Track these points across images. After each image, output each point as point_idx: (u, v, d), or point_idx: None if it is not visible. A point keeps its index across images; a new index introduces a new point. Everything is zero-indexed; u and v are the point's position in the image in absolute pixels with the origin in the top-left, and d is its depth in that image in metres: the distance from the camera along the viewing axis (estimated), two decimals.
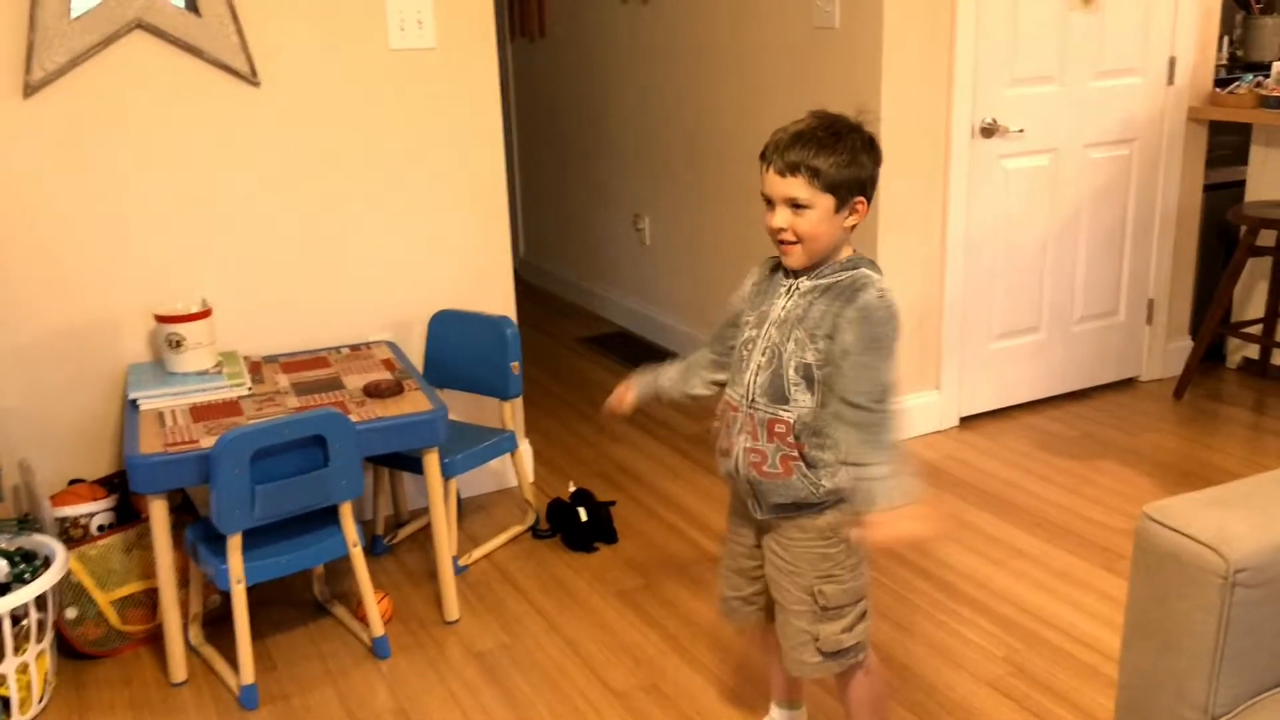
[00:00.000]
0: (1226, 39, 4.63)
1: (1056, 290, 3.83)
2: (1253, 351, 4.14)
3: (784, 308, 1.80)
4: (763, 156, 1.77)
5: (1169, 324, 4.10)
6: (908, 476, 1.71)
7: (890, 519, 1.70)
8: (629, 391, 2.09)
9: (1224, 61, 4.62)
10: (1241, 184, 4.06)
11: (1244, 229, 3.75)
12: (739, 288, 1.94)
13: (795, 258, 1.77)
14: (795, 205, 1.73)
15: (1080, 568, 2.83)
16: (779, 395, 1.78)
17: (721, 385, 1.96)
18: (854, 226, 1.78)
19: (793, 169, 1.72)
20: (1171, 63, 3.81)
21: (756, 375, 1.81)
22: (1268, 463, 3.37)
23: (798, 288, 1.80)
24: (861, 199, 1.76)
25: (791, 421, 1.77)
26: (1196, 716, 1.53)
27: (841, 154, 1.72)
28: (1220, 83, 3.99)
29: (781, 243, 1.77)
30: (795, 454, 1.78)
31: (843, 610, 1.86)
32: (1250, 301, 4.09)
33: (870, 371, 1.72)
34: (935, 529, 1.67)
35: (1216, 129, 3.98)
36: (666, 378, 2.08)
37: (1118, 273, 3.95)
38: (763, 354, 1.81)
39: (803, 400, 1.77)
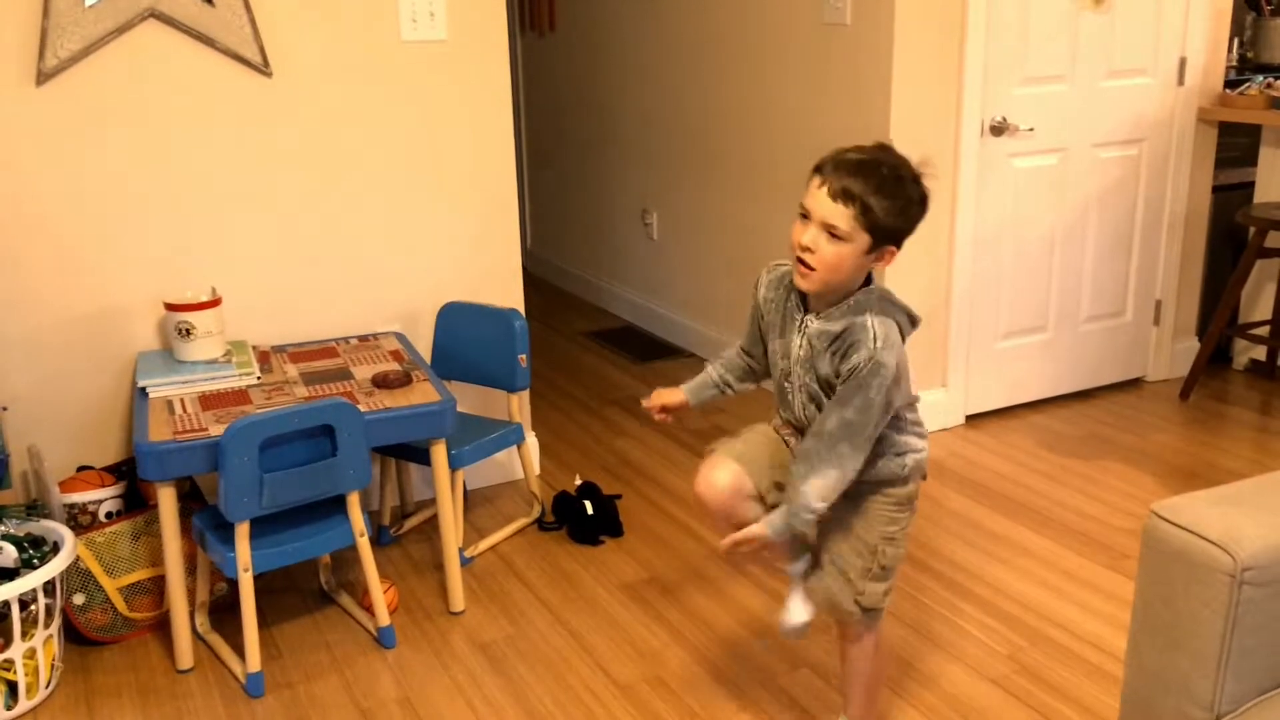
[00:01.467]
0: (1236, 40, 4.62)
1: (1064, 289, 3.83)
2: (1260, 353, 4.13)
3: (800, 347, 1.83)
4: (818, 170, 1.72)
5: (1176, 324, 4.09)
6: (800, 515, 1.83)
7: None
8: (675, 396, 2.14)
9: (1234, 63, 4.61)
10: (1250, 185, 4.06)
11: (1252, 230, 3.74)
12: (753, 295, 1.97)
13: (809, 282, 1.75)
14: (832, 233, 1.69)
15: (1085, 566, 2.83)
16: None
17: (755, 383, 2.08)
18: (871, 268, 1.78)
19: (847, 198, 1.67)
20: (1182, 63, 3.80)
21: (805, 409, 1.87)
22: (1273, 464, 3.37)
23: (807, 327, 1.82)
24: (893, 249, 1.74)
25: None
26: (1202, 714, 1.54)
27: (898, 200, 1.68)
28: (1230, 84, 3.99)
29: (800, 261, 1.74)
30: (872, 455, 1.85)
31: (889, 572, 1.93)
32: (1258, 303, 4.08)
33: (844, 410, 1.77)
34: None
35: (1226, 130, 3.98)
36: (722, 380, 2.12)
37: (1125, 273, 3.95)
38: (801, 391, 1.86)
39: None
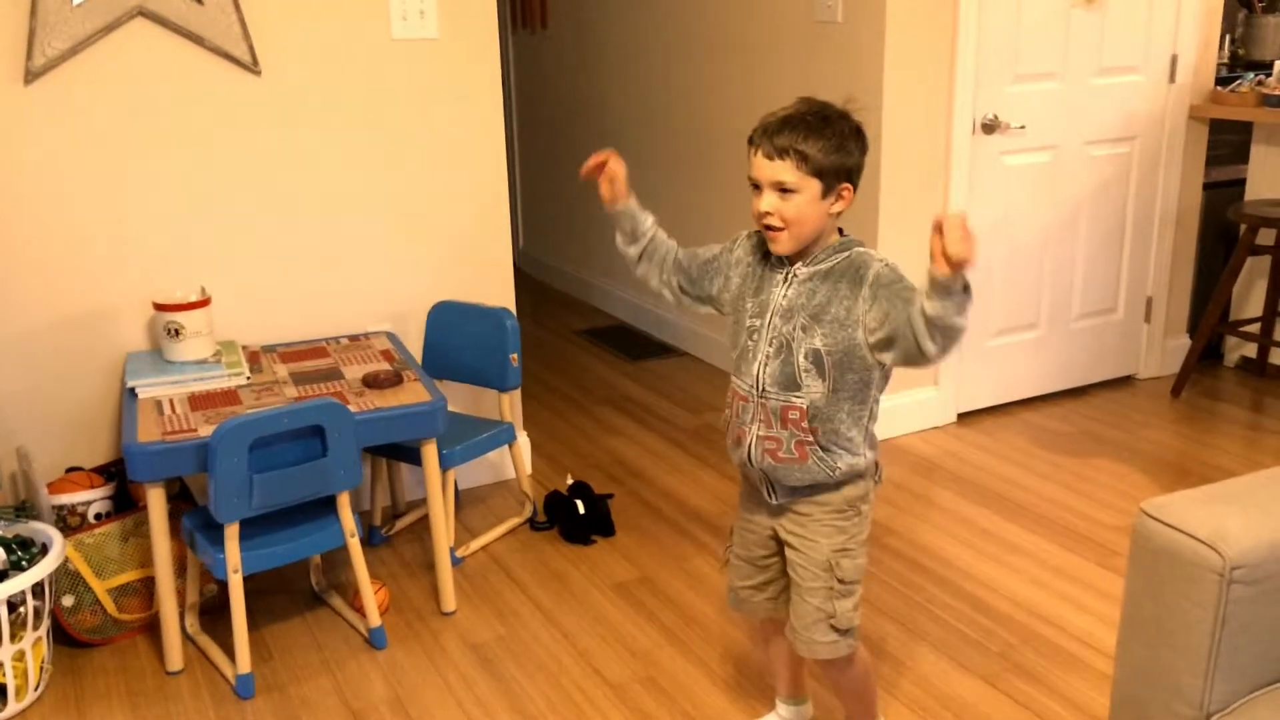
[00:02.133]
0: (1228, 38, 4.63)
1: (1056, 287, 3.83)
2: (1251, 350, 4.14)
3: (785, 296, 1.81)
4: (750, 141, 1.78)
5: (1167, 322, 4.10)
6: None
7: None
8: (616, 180, 2.01)
9: (1225, 60, 4.62)
10: (1241, 183, 4.06)
11: (1244, 227, 3.75)
12: (728, 245, 1.94)
13: (782, 244, 1.78)
14: (782, 189, 1.73)
15: (1076, 564, 2.83)
16: (790, 383, 1.80)
17: (679, 293, 1.99)
18: (840, 213, 1.79)
19: (781, 153, 1.72)
20: (1173, 60, 3.81)
21: (765, 365, 1.82)
22: (1265, 461, 3.38)
23: (795, 275, 1.81)
24: (848, 185, 1.76)
25: (805, 408, 1.79)
26: (1191, 713, 1.54)
27: (830, 139, 1.73)
28: (1221, 81, 3.99)
29: (768, 228, 1.77)
30: (810, 439, 1.80)
31: (853, 587, 1.89)
32: (1249, 300, 4.09)
33: (912, 291, 1.73)
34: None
35: (1217, 127, 3.98)
36: (655, 236, 2.02)
37: (1117, 270, 3.95)
38: (770, 344, 1.82)
39: (814, 386, 1.78)
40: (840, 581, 1.87)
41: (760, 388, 1.83)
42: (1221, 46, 4.32)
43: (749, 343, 1.85)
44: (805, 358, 1.78)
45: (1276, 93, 3.76)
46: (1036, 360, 3.88)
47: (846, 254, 1.79)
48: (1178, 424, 3.72)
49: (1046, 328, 3.86)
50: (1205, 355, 4.01)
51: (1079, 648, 2.48)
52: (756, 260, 1.89)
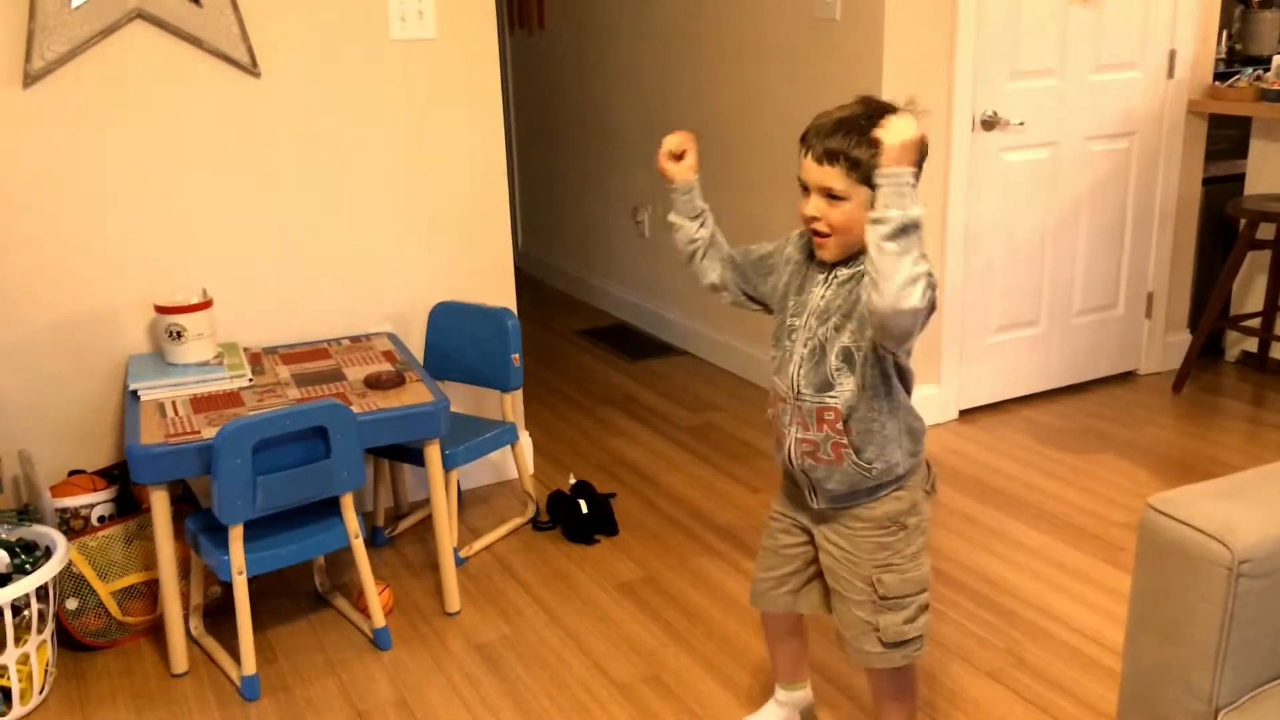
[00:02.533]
0: (1225, 33, 4.63)
1: (1056, 283, 3.83)
2: (1251, 345, 4.14)
3: (823, 297, 1.79)
4: (803, 140, 1.73)
5: (1168, 317, 4.10)
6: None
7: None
8: (688, 153, 2.00)
9: (1222, 55, 4.62)
10: (1240, 177, 4.06)
11: (1243, 222, 3.75)
12: (780, 243, 1.90)
13: (829, 251, 1.76)
14: (830, 195, 1.70)
15: (1080, 560, 2.83)
16: (824, 384, 1.78)
17: (720, 288, 1.96)
18: None
19: (831, 157, 1.68)
20: (1171, 56, 3.81)
21: (800, 367, 1.80)
22: (1267, 455, 3.38)
23: (836, 277, 1.79)
24: None
25: (839, 408, 1.77)
26: (1201, 707, 1.54)
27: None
28: (1219, 77, 3.99)
29: (815, 234, 1.75)
30: (844, 440, 1.78)
31: (903, 601, 1.85)
32: (1249, 295, 4.09)
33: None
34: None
35: (1215, 122, 3.98)
36: (705, 227, 1.97)
37: (1117, 266, 3.95)
38: (805, 345, 1.80)
39: (846, 385, 1.77)
40: (882, 598, 1.84)
41: (796, 390, 1.81)
42: (1219, 42, 4.32)
43: (787, 343, 1.83)
44: (837, 357, 1.76)
45: (1275, 87, 3.76)
46: (1038, 357, 3.88)
47: None
48: (1179, 419, 3.72)
49: (1047, 324, 3.86)
50: (1206, 350, 4.01)
51: (1086, 644, 2.48)
52: (804, 259, 1.86)
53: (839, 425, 1.77)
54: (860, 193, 1.68)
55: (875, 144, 1.62)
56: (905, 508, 1.84)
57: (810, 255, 1.85)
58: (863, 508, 1.84)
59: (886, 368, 1.77)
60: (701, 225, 1.97)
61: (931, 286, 1.62)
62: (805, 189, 1.74)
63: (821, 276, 1.81)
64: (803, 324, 1.81)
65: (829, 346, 1.77)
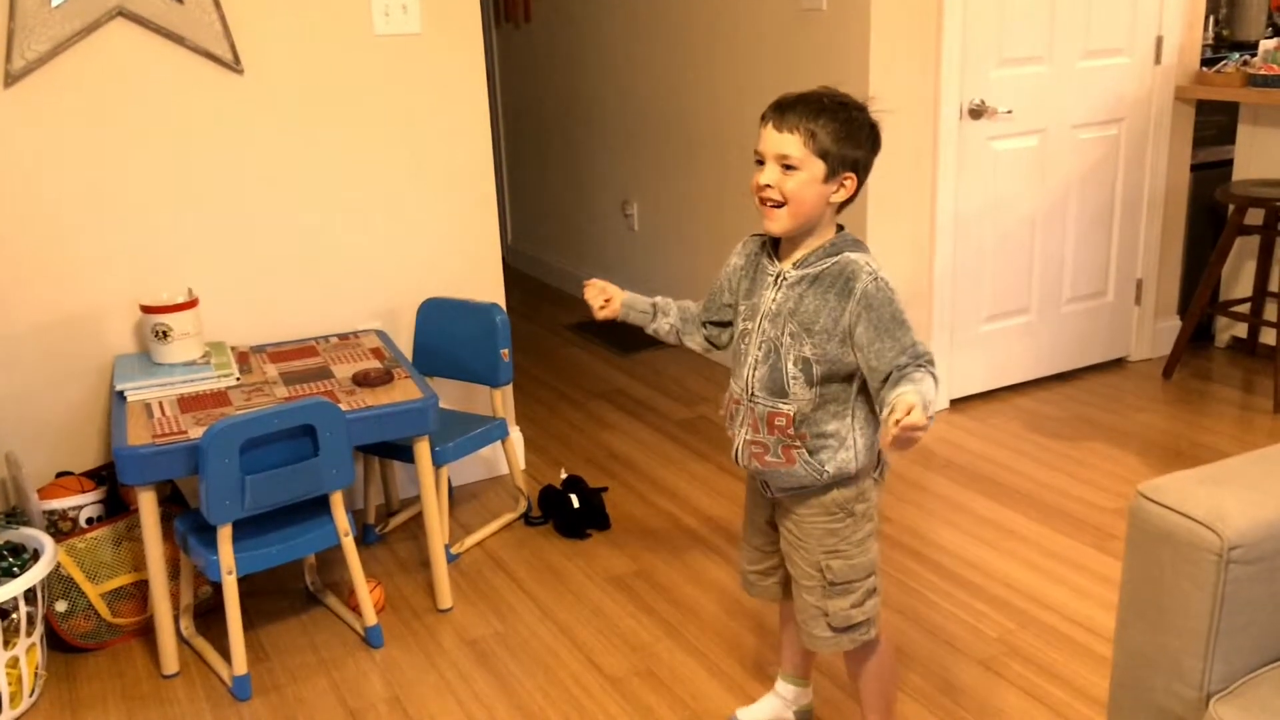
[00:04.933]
0: (1212, 18, 4.63)
1: (1045, 271, 3.83)
2: (1241, 330, 4.15)
3: (774, 300, 1.80)
4: (763, 117, 1.76)
5: (1157, 304, 4.10)
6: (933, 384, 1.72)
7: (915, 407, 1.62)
8: (611, 298, 2.06)
9: (1209, 41, 4.62)
10: (1228, 163, 4.06)
11: (1232, 208, 3.75)
12: (727, 262, 1.94)
13: (778, 222, 1.76)
14: (786, 164, 1.72)
15: (1072, 548, 2.84)
16: (778, 389, 1.79)
17: (712, 346, 2.02)
18: (840, 205, 1.77)
19: (791, 127, 1.71)
20: (1159, 42, 3.80)
21: (755, 370, 1.82)
22: (1257, 440, 3.39)
23: (785, 278, 1.79)
24: (851, 175, 1.74)
25: (791, 414, 1.79)
26: (1191, 693, 1.54)
27: (842, 124, 1.71)
28: (1206, 62, 3.99)
29: (765, 202, 1.76)
30: (797, 443, 1.79)
31: (850, 586, 1.87)
32: (1238, 280, 4.09)
33: (897, 341, 1.73)
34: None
35: (1203, 108, 3.98)
36: (665, 315, 2.05)
37: (1106, 253, 3.95)
38: (759, 348, 1.81)
39: (801, 394, 1.78)
40: (830, 583, 1.86)
41: (750, 392, 1.82)
42: (1206, 27, 4.32)
43: (741, 346, 1.86)
44: (794, 365, 1.77)
45: (1262, 73, 3.76)
46: (1028, 345, 3.88)
47: (836, 259, 1.76)
48: (1170, 405, 3.72)
49: (1037, 312, 3.86)
50: (1196, 336, 4.02)
51: (1078, 631, 2.48)
52: (750, 262, 1.88)
53: (790, 430, 1.79)
54: (814, 165, 1.72)
55: (835, 121, 1.70)
56: (853, 495, 1.85)
57: (759, 258, 1.85)
58: (812, 496, 1.85)
59: (852, 381, 1.79)
60: (663, 317, 2.05)
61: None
62: (760, 162, 1.76)
63: (770, 278, 1.81)
64: (755, 327, 1.82)
65: (784, 351, 1.78)
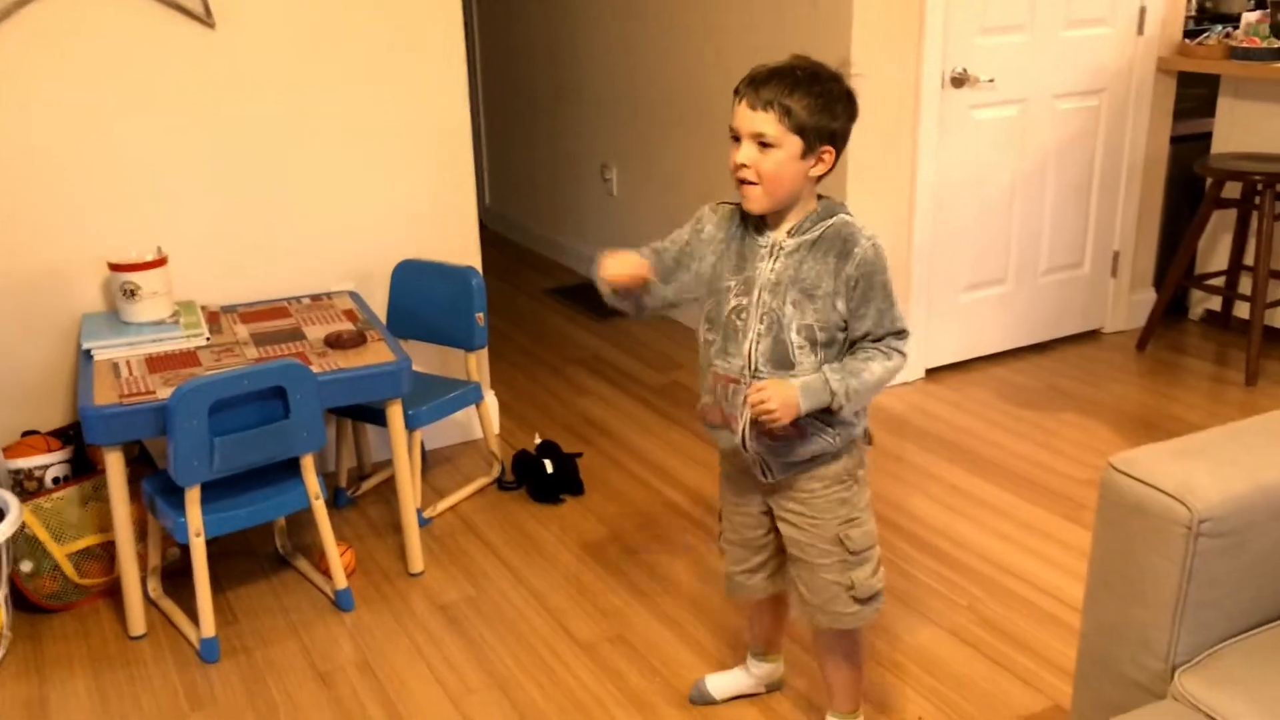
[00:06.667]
0: None
1: (1023, 242, 3.83)
2: (1215, 304, 4.16)
3: (772, 270, 1.75)
4: (736, 92, 1.73)
5: (1133, 276, 4.11)
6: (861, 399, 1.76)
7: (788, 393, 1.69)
8: (635, 265, 1.81)
9: (1192, 13, 4.60)
10: (1206, 136, 4.06)
11: (1210, 181, 3.75)
12: (694, 227, 1.85)
13: (755, 201, 1.73)
14: (762, 143, 1.69)
15: (1043, 518, 2.85)
16: (783, 361, 1.75)
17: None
18: (819, 178, 1.74)
19: (765, 104, 1.68)
20: (1141, 12, 3.78)
21: (757, 344, 1.76)
22: (1228, 414, 3.41)
23: (781, 248, 1.75)
24: (830, 149, 1.71)
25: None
26: (1158, 665, 1.54)
27: (817, 97, 1.68)
28: (1188, 34, 3.98)
29: (742, 182, 1.73)
30: (804, 418, 1.75)
31: (868, 553, 1.87)
32: (1214, 254, 4.10)
33: (878, 314, 1.73)
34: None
35: (1183, 80, 3.97)
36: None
37: (1084, 224, 3.95)
38: (760, 321, 1.76)
39: (807, 363, 1.75)
40: (851, 553, 1.85)
41: (753, 367, 1.77)
42: None
43: (737, 322, 1.78)
44: (799, 334, 1.74)
45: (1244, 45, 3.75)
46: (1004, 315, 3.88)
47: (830, 221, 1.74)
48: (1143, 377, 3.74)
49: (1014, 283, 3.86)
50: (1170, 309, 4.03)
51: (1046, 601, 2.49)
52: (732, 235, 1.81)
53: None
54: (791, 142, 1.69)
55: (810, 94, 1.67)
56: (857, 461, 1.86)
57: (742, 229, 1.80)
58: (821, 467, 1.83)
59: (846, 340, 1.77)
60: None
61: (893, 371, 1.79)
62: (736, 139, 1.73)
63: (764, 249, 1.76)
64: (753, 301, 1.76)
65: (786, 321, 1.74)
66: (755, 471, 1.86)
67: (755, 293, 1.76)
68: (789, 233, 1.76)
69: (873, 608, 1.89)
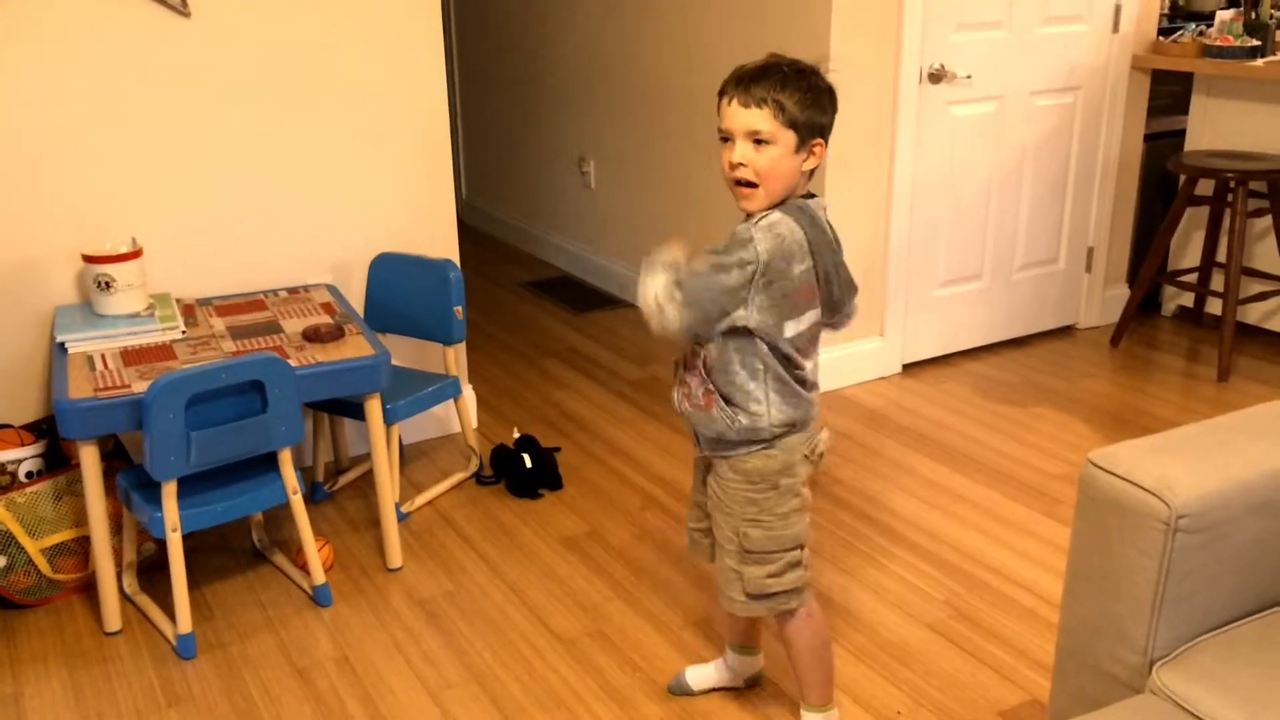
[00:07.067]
0: None
1: (999, 238, 3.85)
2: (1187, 300, 4.20)
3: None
4: (722, 92, 1.73)
5: (1107, 272, 4.15)
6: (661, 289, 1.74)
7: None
8: None
9: (1165, 11, 4.64)
10: (1179, 133, 4.10)
11: (1183, 178, 3.78)
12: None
13: (754, 201, 1.74)
14: (757, 140, 1.70)
15: (1019, 513, 2.87)
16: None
17: None
18: (811, 172, 1.76)
19: (759, 101, 1.69)
20: (1117, 10, 3.81)
21: None
22: (1201, 409, 3.44)
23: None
24: (820, 142, 1.74)
25: (705, 357, 1.81)
26: (1136, 659, 1.56)
27: (806, 92, 1.70)
28: (1161, 31, 4.01)
29: (739, 183, 1.73)
30: (712, 387, 1.82)
31: (769, 556, 1.89)
32: (1186, 250, 4.14)
33: (701, 259, 1.72)
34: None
35: (1157, 78, 4.01)
36: None
37: (1059, 221, 3.98)
38: None
39: (714, 336, 1.79)
40: (746, 550, 1.88)
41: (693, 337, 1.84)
42: None
43: None
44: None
45: (1218, 43, 3.79)
46: (980, 311, 3.91)
47: (767, 213, 1.75)
48: (1117, 373, 3.77)
49: (990, 278, 3.88)
50: (1144, 305, 4.07)
51: (1024, 595, 2.51)
52: None
53: (702, 372, 1.82)
54: (786, 137, 1.70)
55: (799, 89, 1.69)
56: (778, 468, 1.85)
57: None
58: (736, 459, 1.86)
59: (754, 339, 1.77)
60: None
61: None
62: (726, 140, 1.73)
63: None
64: None
65: None
66: (693, 438, 1.95)
67: None
68: (749, 217, 1.77)
69: (766, 605, 1.92)
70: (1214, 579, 1.55)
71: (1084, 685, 1.66)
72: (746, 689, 2.21)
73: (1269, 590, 1.62)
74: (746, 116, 1.70)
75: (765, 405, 1.81)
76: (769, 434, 1.83)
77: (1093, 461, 1.60)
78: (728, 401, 1.81)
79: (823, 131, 1.74)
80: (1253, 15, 3.80)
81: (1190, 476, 1.52)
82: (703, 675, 2.21)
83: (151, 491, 2.29)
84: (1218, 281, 3.96)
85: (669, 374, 3.72)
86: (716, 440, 1.87)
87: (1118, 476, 1.56)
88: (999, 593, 2.53)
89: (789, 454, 1.85)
